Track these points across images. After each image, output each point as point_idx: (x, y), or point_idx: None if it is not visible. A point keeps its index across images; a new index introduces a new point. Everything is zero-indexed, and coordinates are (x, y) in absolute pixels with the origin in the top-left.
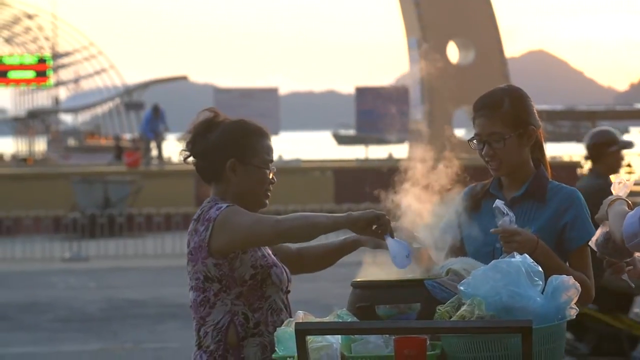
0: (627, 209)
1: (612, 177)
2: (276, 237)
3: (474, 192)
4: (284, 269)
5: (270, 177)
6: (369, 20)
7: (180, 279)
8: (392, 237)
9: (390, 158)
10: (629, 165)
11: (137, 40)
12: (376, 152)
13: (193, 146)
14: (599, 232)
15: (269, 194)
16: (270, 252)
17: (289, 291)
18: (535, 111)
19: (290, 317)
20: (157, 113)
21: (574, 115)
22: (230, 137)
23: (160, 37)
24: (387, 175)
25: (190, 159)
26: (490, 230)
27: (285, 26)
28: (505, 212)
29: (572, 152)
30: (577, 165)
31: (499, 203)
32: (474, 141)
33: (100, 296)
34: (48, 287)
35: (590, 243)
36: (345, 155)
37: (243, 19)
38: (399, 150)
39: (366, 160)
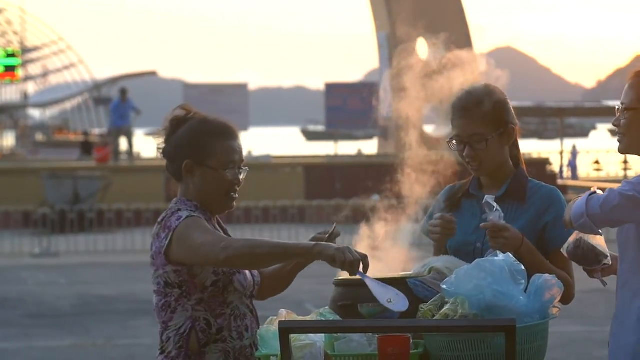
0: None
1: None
2: (221, 264)
3: (453, 191)
4: (250, 273)
5: (233, 179)
6: (338, 15)
7: (151, 275)
8: (365, 273)
9: (359, 154)
10: (596, 162)
11: (107, 35)
12: (345, 148)
13: (163, 143)
14: (571, 238)
15: (233, 196)
16: None
17: (253, 295)
18: (512, 109)
19: (257, 320)
20: (124, 96)
21: (543, 112)
22: (188, 137)
23: (129, 32)
24: (358, 172)
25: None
26: (480, 225)
27: (254, 21)
28: (495, 207)
29: (540, 148)
30: (545, 162)
31: (488, 198)
32: (454, 142)
33: (71, 292)
34: (18, 283)
35: (562, 249)
36: (314, 151)
37: (212, 14)
38: (368, 147)
39: (336, 156)
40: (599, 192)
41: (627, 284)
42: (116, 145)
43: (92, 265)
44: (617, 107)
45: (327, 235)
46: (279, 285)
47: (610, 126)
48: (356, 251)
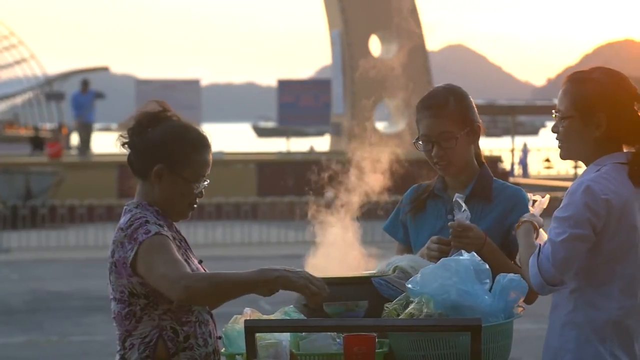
0: (533, 235)
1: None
2: (182, 302)
3: (418, 192)
4: None
5: (199, 192)
6: (289, 11)
7: (105, 271)
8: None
9: (311, 151)
10: (547, 160)
11: (58, 29)
12: (297, 144)
13: (130, 136)
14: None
15: (194, 206)
16: (197, 265)
17: None
18: (475, 107)
19: (215, 325)
20: (86, 87)
21: (494, 109)
22: (166, 141)
23: (81, 27)
24: (310, 169)
25: (125, 147)
26: (448, 224)
27: (204, 16)
28: (463, 207)
29: (491, 146)
30: (497, 159)
31: (459, 198)
32: (420, 142)
33: (23, 288)
34: None
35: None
36: (265, 147)
37: (162, 9)
38: (320, 143)
39: (288, 153)
40: (538, 199)
41: (558, 290)
42: (86, 139)
43: (44, 261)
44: (554, 114)
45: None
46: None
47: None
48: (317, 279)
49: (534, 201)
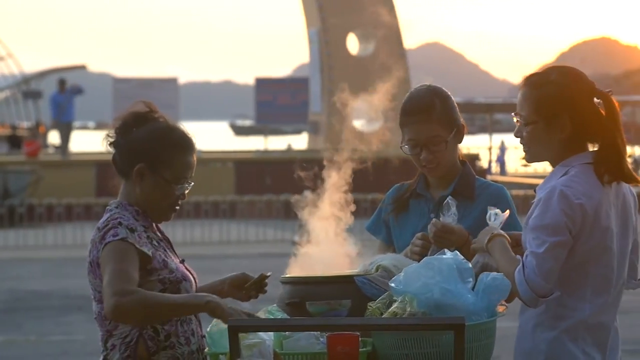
0: (509, 247)
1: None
2: (108, 315)
3: (400, 191)
4: (192, 276)
5: (180, 194)
6: (266, 9)
7: (83, 271)
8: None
9: (289, 149)
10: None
11: (36, 28)
12: (274, 143)
13: (115, 135)
14: (475, 259)
15: (176, 208)
16: (178, 264)
17: None
18: (457, 106)
19: (199, 323)
20: (63, 87)
21: (472, 107)
22: (149, 141)
23: (59, 25)
24: (289, 167)
25: (111, 147)
26: (431, 223)
27: (182, 15)
28: (452, 211)
29: (468, 144)
30: (475, 157)
31: (451, 200)
32: (406, 146)
33: (1, 288)
34: None
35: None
36: (243, 145)
37: (139, 7)
38: (298, 141)
39: (266, 151)
40: (498, 212)
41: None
42: (66, 138)
43: (22, 261)
44: (515, 119)
45: (250, 282)
46: None
47: None
48: (244, 312)
49: (495, 214)
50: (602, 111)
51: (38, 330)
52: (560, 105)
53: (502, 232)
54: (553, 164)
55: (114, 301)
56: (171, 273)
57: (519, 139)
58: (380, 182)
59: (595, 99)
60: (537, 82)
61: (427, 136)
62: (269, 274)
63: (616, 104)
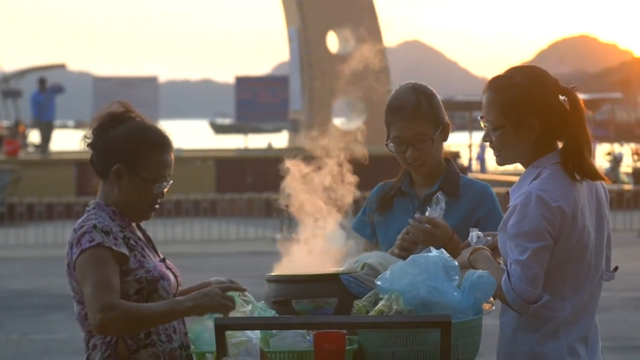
0: (492, 258)
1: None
2: (94, 328)
3: (384, 190)
4: (173, 273)
5: (159, 193)
6: (246, 7)
7: (64, 270)
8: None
9: (270, 148)
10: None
11: (15, 27)
12: (255, 141)
13: (93, 136)
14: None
15: (155, 206)
16: (157, 264)
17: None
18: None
19: (183, 321)
20: (43, 86)
21: (452, 105)
22: (125, 141)
23: (38, 24)
24: (270, 165)
25: (88, 148)
26: (415, 216)
27: (161, 13)
28: (442, 206)
29: (448, 142)
30: (456, 155)
31: (441, 196)
32: (392, 144)
33: None
34: None
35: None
36: (223, 144)
37: (118, 5)
38: (278, 140)
39: (247, 149)
40: (481, 235)
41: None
42: (47, 137)
43: (3, 260)
44: (482, 124)
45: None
46: None
47: None
48: (225, 296)
49: (477, 236)
50: (567, 107)
51: (19, 329)
52: (527, 107)
53: (482, 246)
54: (525, 165)
55: (100, 318)
56: (148, 272)
57: (488, 143)
58: (363, 180)
59: (560, 96)
60: (502, 86)
61: (413, 134)
62: (246, 291)
63: (580, 100)
